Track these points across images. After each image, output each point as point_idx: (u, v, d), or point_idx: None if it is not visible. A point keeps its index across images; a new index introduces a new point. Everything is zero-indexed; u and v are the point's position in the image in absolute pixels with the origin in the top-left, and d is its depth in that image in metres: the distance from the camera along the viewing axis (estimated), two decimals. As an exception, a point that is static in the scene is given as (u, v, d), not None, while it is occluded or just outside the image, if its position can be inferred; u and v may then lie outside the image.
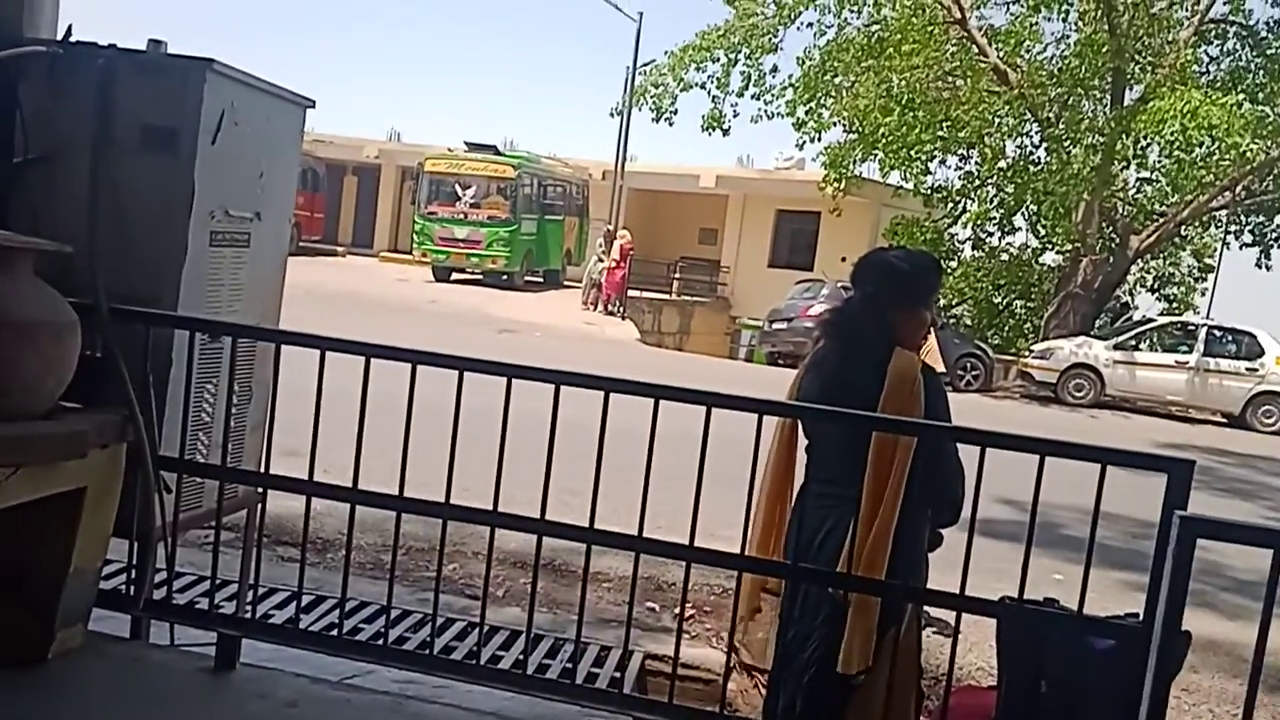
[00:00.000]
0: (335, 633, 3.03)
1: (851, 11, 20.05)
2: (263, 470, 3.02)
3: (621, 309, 21.54)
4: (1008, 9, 20.24)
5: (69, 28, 2.99)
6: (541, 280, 25.18)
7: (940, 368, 4.36)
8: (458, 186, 23.21)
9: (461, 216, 22.96)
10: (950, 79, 20.13)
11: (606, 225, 23.93)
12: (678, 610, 5.13)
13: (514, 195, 23.03)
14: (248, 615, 3.25)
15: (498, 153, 23.99)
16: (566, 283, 25.46)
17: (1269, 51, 19.44)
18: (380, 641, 3.02)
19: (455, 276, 23.45)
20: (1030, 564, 2.57)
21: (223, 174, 2.99)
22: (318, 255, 24.31)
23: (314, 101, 3.43)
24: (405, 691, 3.05)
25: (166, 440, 2.88)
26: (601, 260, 21.70)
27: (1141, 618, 2.41)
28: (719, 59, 19.98)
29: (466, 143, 24.11)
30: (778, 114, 20.46)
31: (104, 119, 2.85)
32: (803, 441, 2.85)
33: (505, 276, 23.10)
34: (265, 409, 3.19)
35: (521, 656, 3.24)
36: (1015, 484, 2.85)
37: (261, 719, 2.72)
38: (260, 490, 3.11)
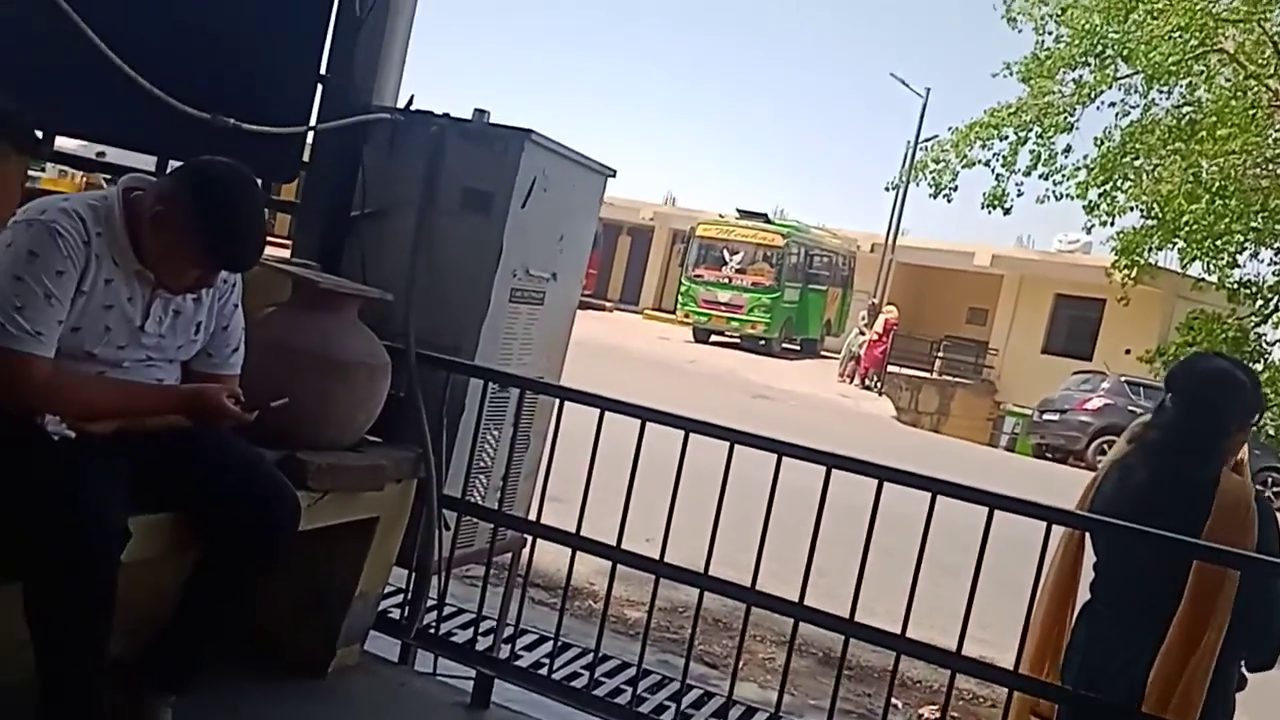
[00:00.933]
0: (583, 685, 3.08)
1: (1161, 92, 18.76)
2: (534, 519, 3.14)
3: (879, 384, 21.01)
4: (1346, 95, 18.23)
5: (410, 98, 3.31)
6: (799, 348, 25.07)
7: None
8: (726, 251, 23.67)
9: (726, 281, 23.36)
10: (1271, 166, 18.32)
11: (871, 298, 23.52)
12: (923, 713, 4.86)
13: (780, 263, 23.19)
14: (504, 655, 3.37)
15: (768, 221, 24.28)
16: (823, 353, 25.20)
17: None
18: (628, 703, 3.04)
19: (714, 339, 23.81)
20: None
21: (528, 236, 3.18)
22: (587, 309, 25.31)
23: (615, 171, 3.59)
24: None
25: (450, 480, 3.06)
26: (863, 333, 21.32)
27: None
28: (1007, 136, 19.26)
29: (738, 210, 24.59)
30: (1067, 195, 19.38)
31: (431, 180, 3.12)
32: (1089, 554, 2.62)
33: (763, 342, 23.19)
34: (539, 458, 3.33)
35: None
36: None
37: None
38: (526, 536, 3.24)
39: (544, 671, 3.08)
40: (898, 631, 2.65)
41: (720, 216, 25.00)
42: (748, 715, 3.82)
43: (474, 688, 3.11)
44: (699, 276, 23.78)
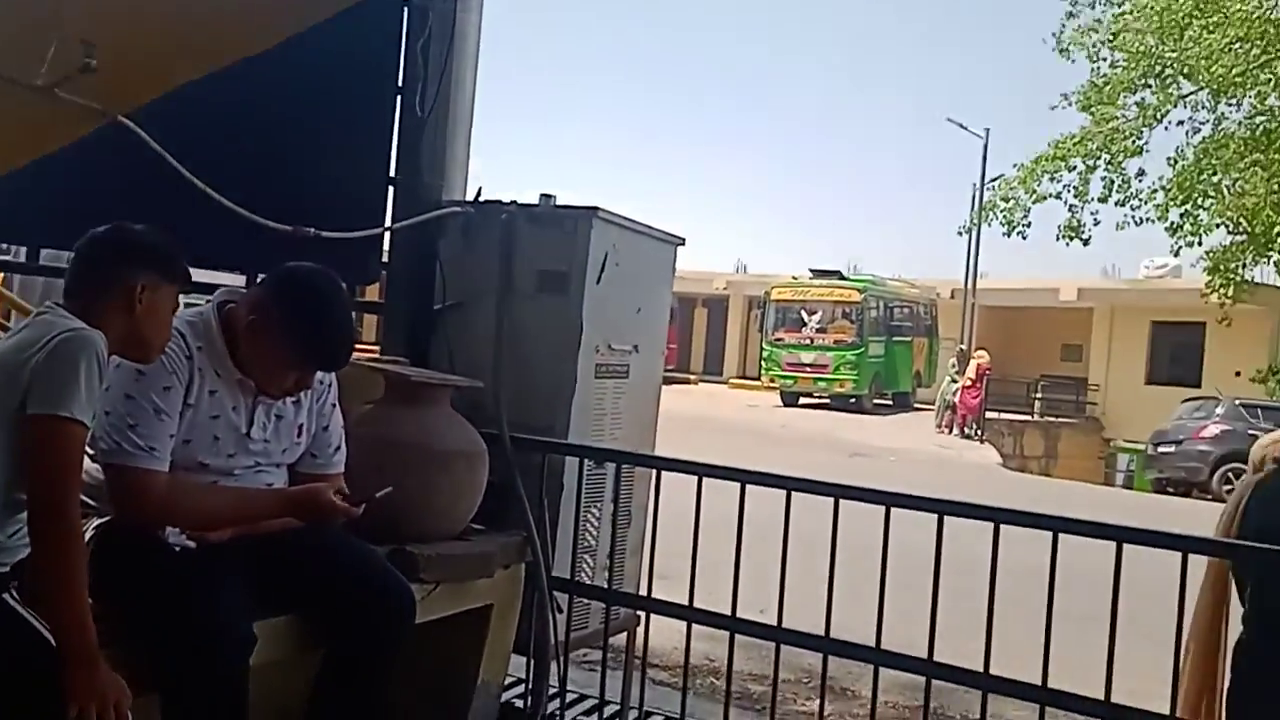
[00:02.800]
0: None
1: (1230, 105, 18.29)
2: (644, 594, 3.09)
3: (979, 431, 20.44)
4: None
5: (479, 189, 3.39)
6: (891, 403, 24.62)
7: None
8: (803, 312, 23.57)
9: (808, 341, 23.20)
10: (1362, 165, 17.62)
11: (958, 345, 23.07)
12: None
13: (860, 318, 22.99)
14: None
15: (842, 278, 24.17)
16: (917, 405, 24.69)
17: None
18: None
19: (803, 401, 23.56)
20: None
21: (606, 310, 3.20)
22: (671, 383, 25.33)
23: (684, 240, 3.61)
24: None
25: (557, 562, 3.04)
26: (955, 381, 20.86)
27: None
28: (1075, 167, 18.91)
29: (811, 270, 24.55)
30: (1146, 219, 18.87)
31: (506, 266, 3.18)
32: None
33: (853, 400, 22.86)
34: (643, 532, 3.29)
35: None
36: None
37: None
38: (639, 613, 3.18)
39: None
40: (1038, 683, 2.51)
41: (794, 278, 24.95)
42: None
43: (601, 774, 3.03)
44: (780, 340, 23.67)
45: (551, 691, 3.15)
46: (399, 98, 3.43)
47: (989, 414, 21.32)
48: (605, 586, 3.11)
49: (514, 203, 3.25)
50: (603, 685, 3.10)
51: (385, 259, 3.53)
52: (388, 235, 3.45)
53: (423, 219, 3.30)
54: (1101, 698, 2.42)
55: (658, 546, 3.08)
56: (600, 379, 3.23)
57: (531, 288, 3.17)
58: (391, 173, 3.45)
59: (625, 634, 3.38)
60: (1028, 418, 24.45)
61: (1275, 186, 17.55)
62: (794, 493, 2.81)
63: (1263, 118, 18.04)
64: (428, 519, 2.71)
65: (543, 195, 3.24)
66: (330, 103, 3.43)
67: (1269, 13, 16.49)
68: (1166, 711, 2.40)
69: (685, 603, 2.93)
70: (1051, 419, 25.30)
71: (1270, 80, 17.58)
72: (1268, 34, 16.61)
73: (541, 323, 3.15)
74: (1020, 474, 18.51)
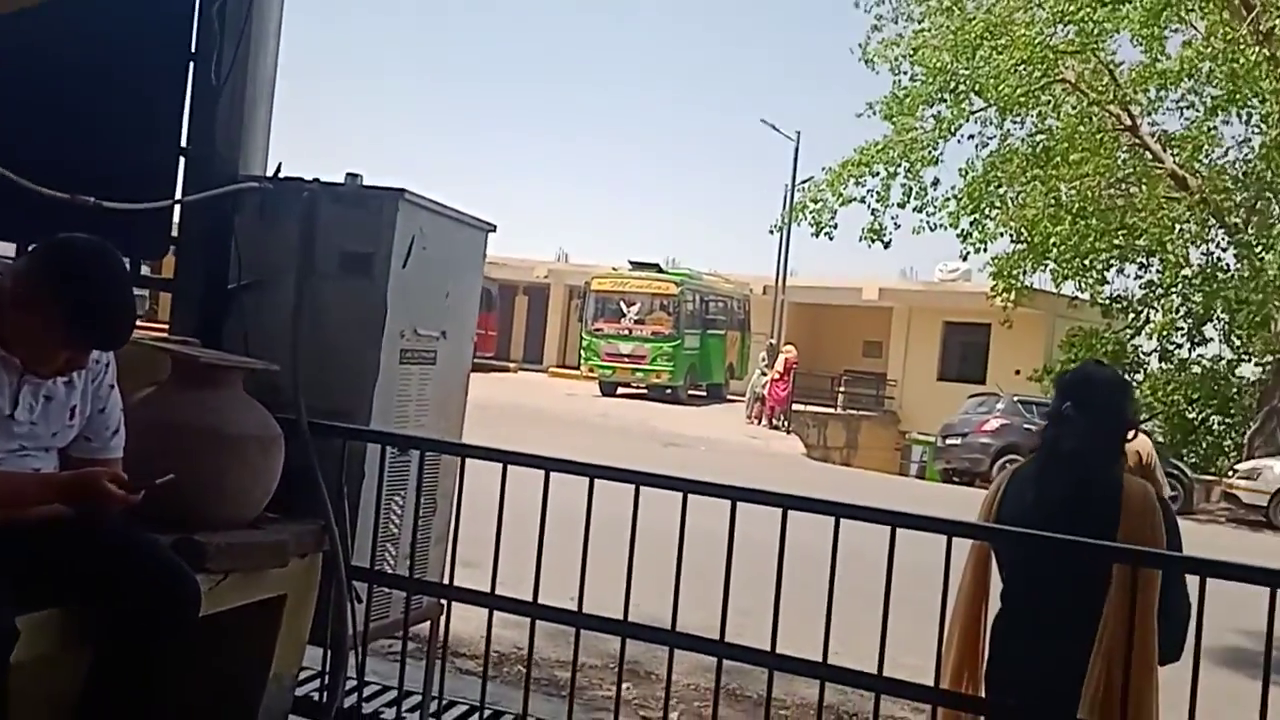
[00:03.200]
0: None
1: (1014, 123, 19.79)
2: (447, 582, 3.06)
3: (786, 423, 21.30)
4: (1181, 114, 19.52)
5: (279, 165, 3.26)
6: (705, 394, 25.29)
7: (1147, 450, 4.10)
8: (623, 304, 23.86)
9: (626, 332, 23.52)
10: (1124, 186, 19.43)
11: (769, 339, 23.93)
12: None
13: (677, 311, 23.47)
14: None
15: (660, 270, 24.61)
16: (729, 397, 25.46)
17: None
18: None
19: (621, 391, 23.86)
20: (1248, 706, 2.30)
21: (412, 296, 3.15)
22: (491, 371, 25.24)
23: (495, 226, 3.59)
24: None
25: (357, 551, 2.97)
26: (765, 374, 21.65)
27: None
28: (878, 173, 19.96)
29: (631, 262, 24.87)
30: (941, 225, 20.16)
31: (307, 247, 3.07)
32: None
33: (669, 391, 23.35)
34: (448, 522, 3.26)
35: (698, 786, 3.11)
36: (1235, 616, 2.58)
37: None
38: (442, 602, 3.16)
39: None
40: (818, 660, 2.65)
41: (614, 269, 25.23)
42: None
43: (400, 764, 2.99)
44: (599, 330, 23.89)
45: (351, 684, 3.08)
46: (192, 64, 3.25)
47: (796, 406, 22.26)
48: (407, 575, 3.06)
49: (317, 180, 3.14)
50: (402, 675, 3.05)
51: (177, 234, 3.34)
52: (178, 209, 3.26)
53: (216, 193, 3.14)
54: (875, 672, 2.58)
55: (466, 535, 3.06)
56: (406, 365, 3.18)
57: (334, 269, 3.07)
58: (183, 143, 3.26)
59: (429, 623, 3.35)
60: (831, 410, 25.69)
61: (1052, 200, 19.12)
62: (597, 480, 2.85)
63: (1042, 136, 19.61)
64: (218, 506, 2.59)
65: (348, 174, 3.15)
66: (118, 64, 3.22)
67: (1049, 39, 17.89)
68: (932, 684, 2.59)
69: (488, 590, 2.92)
70: (853, 412, 26.69)
71: (1050, 102, 19.14)
72: (1047, 59, 18.03)
73: (344, 306, 3.07)
74: (823, 464, 19.42)
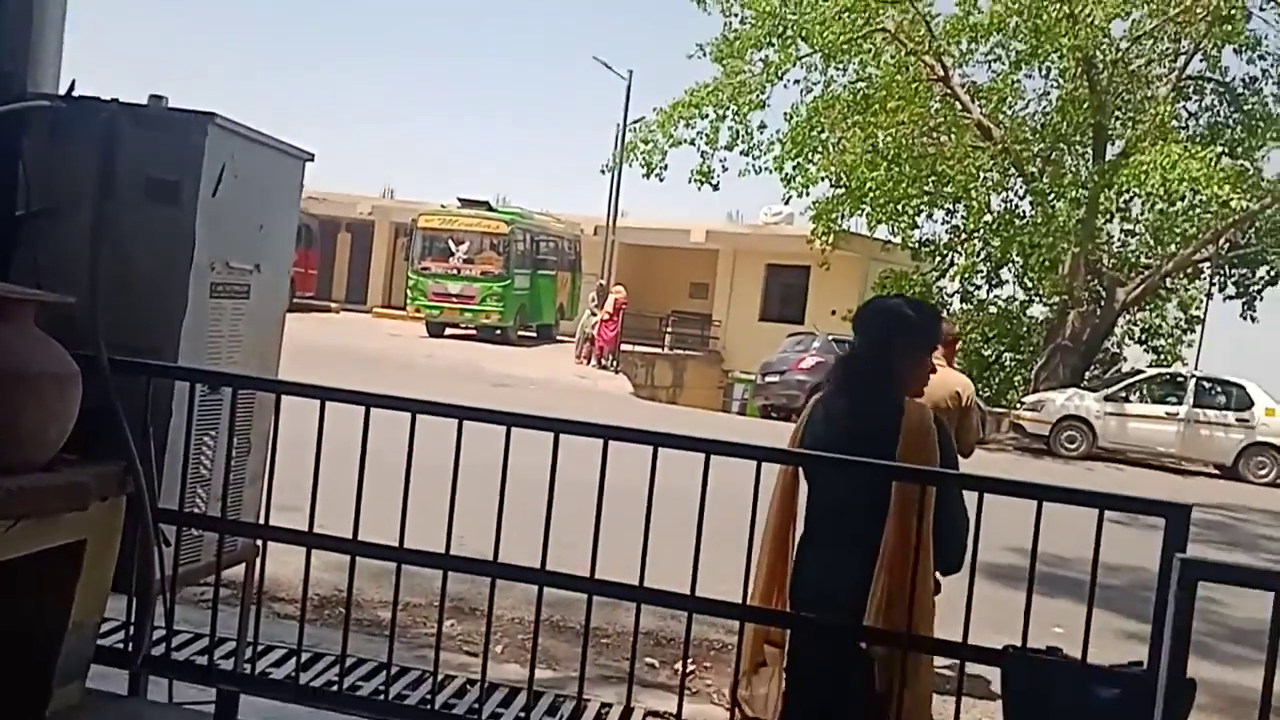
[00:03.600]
0: (335, 689, 2.98)
1: (837, 69, 20.43)
2: (261, 522, 3.00)
3: (615, 363, 21.58)
4: (989, 67, 20.65)
5: (72, 83, 3.03)
6: (535, 335, 25.25)
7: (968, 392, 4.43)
8: (451, 242, 23.38)
9: (455, 272, 23.10)
10: (935, 134, 20.46)
11: (599, 280, 24.06)
12: (679, 665, 5.08)
13: (507, 251, 23.20)
14: (246, 672, 3.20)
15: (490, 209, 24.21)
16: (560, 337, 25.53)
17: (1245, 107, 19.85)
18: (381, 698, 2.98)
19: (449, 332, 23.50)
20: (1032, 616, 2.56)
21: (223, 226, 3.02)
22: (311, 311, 24.34)
23: (313, 155, 3.47)
24: (405, 748, 3.00)
25: (165, 493, 2.86)
26: (594, 314, 21.79)
27: (1146, 666, 2.40)
28: (708, 115, 20.25)
29: (460, 199, 24.34)
30: (766, 169, 20.74)
31: (107, 172, 2.88)
32: (803, 489, 2.84)
33: (499, 331, 23.18)
34: (264, 462, 3.18)
35: (523, 714, 3.20)
36: (1014, 534, 2.85)
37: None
38: (259, 543, 3.09)
39: (294, 681, 2.95)
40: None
41: (443, 207, 24.65)
42: (510, 696, 3.87)
43: (216, 708, 2.94)
44: (426, 269, 23.38)
45: (160, 632, 2.98)
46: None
47: (624, 346, 22.56)
48: (219, 516, 2.97)
49: (116, 101, 2.94)
50: (214, 620, 2.98)
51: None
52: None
53: (-1, 111, 2.90)
54: (687, 593, 2.72)
55: (286, 480, 2.99)
56: (217, 299, 3.05)
57: (138, 196, 2.90)
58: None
59: (244, 567, 3.27)
60: (659, 350, 26.19)
61: (870, 146, 19.93)
62: (419, 416, 2.84)
63: (863, 84, 20.34)
64: (9, 448, 2.44)
65: (152, 96, 2.96)
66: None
67: (871, -11, 18.49)
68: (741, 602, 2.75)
69: (305, 529, 2.88)
70: (679, 352, 27.28)
71: (870, 50, 19.84)
72: (869, 7, 18.66)
73: (148, 235, 2.91)
74: (650, 402, 19.83)
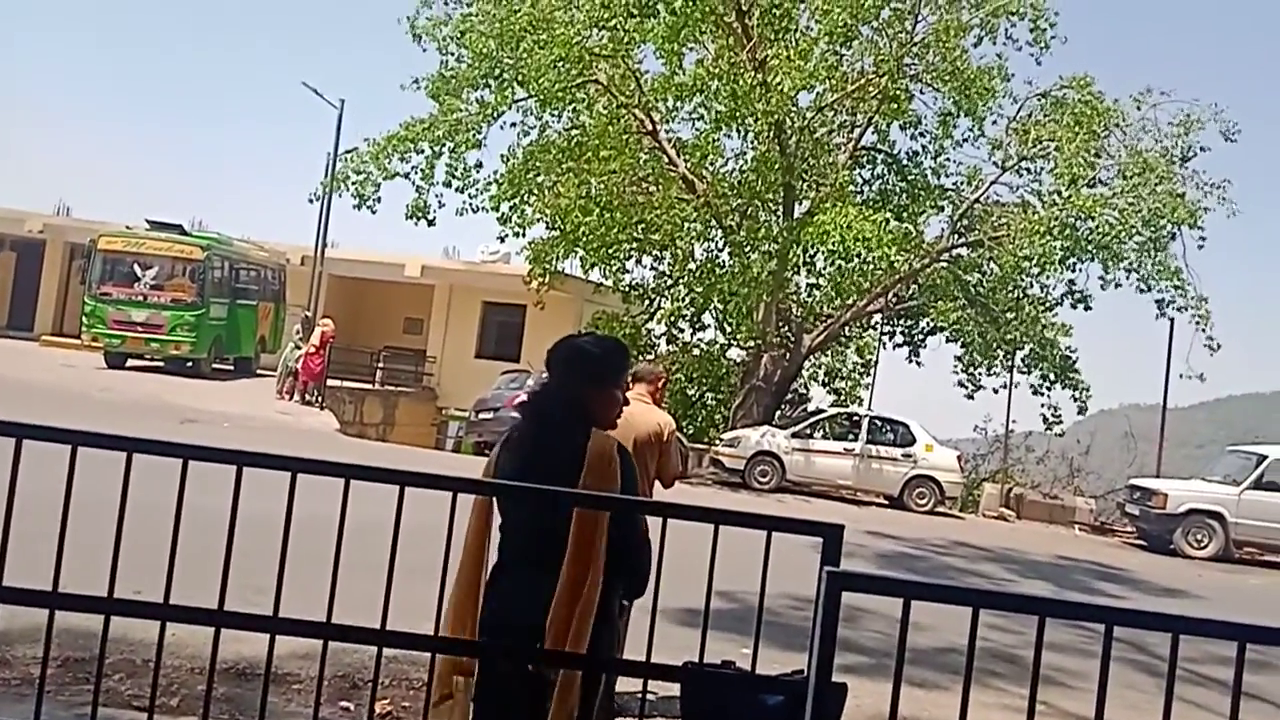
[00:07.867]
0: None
1: (553, 116, 20.92)
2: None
3: (320, 399, 20.69)
4: (694, 124, 21.93)
5: None
6: (232, 368, 23.71)
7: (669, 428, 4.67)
8: (137, 266, 21.50)
9: (140, 299, 21.24)
10: (644, 185, 21.44)
11: (305, 311, 23.03)
12: (377, 708, 4.93)
13: (202, 278, 21.65)
14: None
15: (184, 232, 22.55)
16: (260, 371, 24.12)
17: (909, 177, 22.41)
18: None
19: (132, 363, 21.54)
20: (718, 643, 2.74)
21: None
22: (-39, 338, 21.50)
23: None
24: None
25: None
26: (299, 347, 20.80)
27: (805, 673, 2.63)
28: (423, 150, 20.07)
29: (149, 221, 22.50)
30: (482, 208, 20.81)
31: None
32: (497, 519, 2.88)
33: (190, 364, 21.58)
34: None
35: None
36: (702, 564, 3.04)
37: None
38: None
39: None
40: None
41: (128, 228, 22.64)
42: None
43: None
44: (107, 295, 21.32)
45: None
46: None
47: (332, 382, 21.72)
48: None
49: None
50: None
51: None
52: None
53: None
54: (378, 627, 2.67)
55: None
56: None
57: None
58: None
59: None
60: (369, 386, 25.41)
61: (583, 192, 20.55)
62: (81, 449, 2.62)
63: (576, 131, 20.98)
64: None
65: None
66: None
67: (585, 41, 19.16)
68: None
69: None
70: (391, 388, 26.62)
71: (584, 100, 20.52)
72: (584, 59, 19.31)
73: None
74: (359, 439, 19.17)
